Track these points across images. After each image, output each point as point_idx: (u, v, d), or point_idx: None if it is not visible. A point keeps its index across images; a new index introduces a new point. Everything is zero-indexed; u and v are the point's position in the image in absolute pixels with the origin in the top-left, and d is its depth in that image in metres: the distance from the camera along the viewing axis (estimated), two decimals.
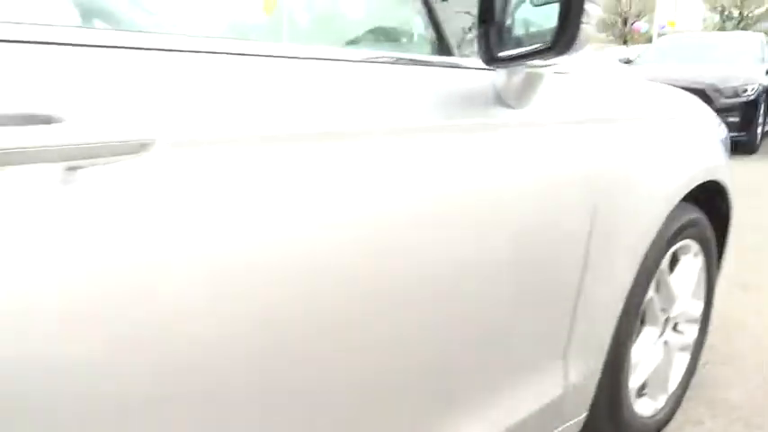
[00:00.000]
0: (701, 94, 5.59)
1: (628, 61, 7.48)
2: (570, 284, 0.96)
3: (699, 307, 1.53)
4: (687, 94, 1.59)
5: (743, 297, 2.35)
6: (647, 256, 1.15)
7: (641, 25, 33.60)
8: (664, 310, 1.37)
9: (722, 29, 36.08)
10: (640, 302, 1.21)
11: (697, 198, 1.45)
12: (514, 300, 0.87)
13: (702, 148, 1.33)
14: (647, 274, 1.18)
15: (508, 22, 0.73)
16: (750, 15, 40.69)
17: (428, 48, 0.82)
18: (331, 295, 0.62)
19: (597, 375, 1.12)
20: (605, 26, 42.89)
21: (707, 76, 5.78)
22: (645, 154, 1.10)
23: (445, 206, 0.74)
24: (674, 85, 5.34)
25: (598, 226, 0.96)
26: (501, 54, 0.73)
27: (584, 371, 1.07)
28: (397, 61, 0.76)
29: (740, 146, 5.88)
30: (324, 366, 0.64)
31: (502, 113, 0.81)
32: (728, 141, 1.64)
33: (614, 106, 1.08)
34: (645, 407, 1.39)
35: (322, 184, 0.61)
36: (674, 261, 1.41)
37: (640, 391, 1.39)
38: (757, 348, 1.93)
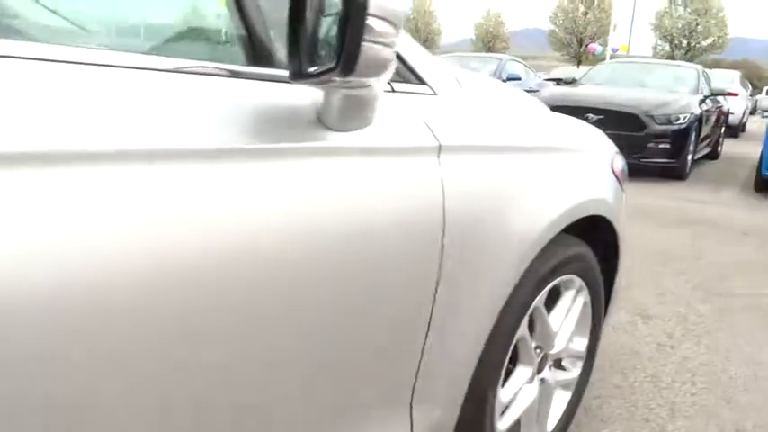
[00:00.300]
0: (635, 119, 5.75)
1: (573, 81, 7.63)
2: (414, 327, 0.88)
3: (583, 343, 1.48)
4: (582, 124, 1.54)
5: (644, 328, 2.36)
6: (514, 295, 1.08)
7: (596, 47, 34.69)
8: (539, 348, 1.31)
9: (671, 57, 37.80)
10: (509, 342, 1.14)
11: (588, 232, 1.41)
12: (342, 345, 0.78)
13: (587, 182, 1.28)
14: (516, 312, 1.12)
15: (323, 33, 0.63)
16: (697, 46, 42.77)
17: (245, 57, 0.72)
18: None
19: (453, 421, 1.05)
20: (561, 45, 44.14)
21: (641, 102, 5.93)
22: (513, 186, 1.02)
23: (254, 240, 0.64)
24: (610, 109, 5.48)
25: (448, 263, 0.88)
26: (310, 69, 0.63)
27: (436, 418, 0.99)
28: (200, 71, 0.65)
29: (670, 172, 6.07)
30: None
31: (320, 137, 0.71)
32: (626, 173, 1.61)
33: (482, 135, 1.00)
34: None
35: (85, 210, 0.51)
36: (556, 296, 1.35)
37: (513, 430, 1.33)
38: (650, 382, 1.92)
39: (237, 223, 0.62)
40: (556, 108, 6.21)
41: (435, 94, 0.94)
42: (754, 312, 2.59)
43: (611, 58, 21.70)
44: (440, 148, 0.85)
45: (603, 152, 1.45)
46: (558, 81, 8.67)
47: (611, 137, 5.81)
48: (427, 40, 48.06)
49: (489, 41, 49.86)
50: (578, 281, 1.36)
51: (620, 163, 1.54)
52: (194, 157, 0.60)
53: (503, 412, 1.24)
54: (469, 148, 0.93)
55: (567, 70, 14.74)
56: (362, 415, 0.87)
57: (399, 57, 0.89)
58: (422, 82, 0.92)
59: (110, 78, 0.58)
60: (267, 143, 0.66)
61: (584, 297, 1.41)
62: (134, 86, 0.59)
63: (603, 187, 1.35)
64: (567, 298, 1.36)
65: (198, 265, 0.59)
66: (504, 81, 8.38)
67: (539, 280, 1.17)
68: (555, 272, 1.22)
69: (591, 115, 5.95)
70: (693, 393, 1.87)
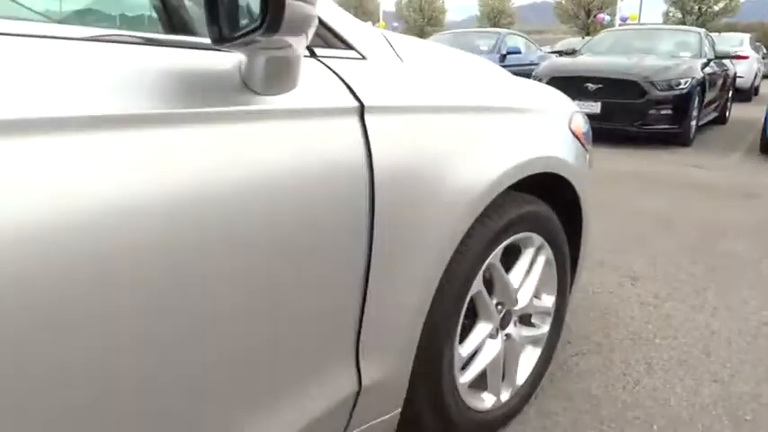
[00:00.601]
0: (635, 86, 5.69)
1: (573, 52, 7.54)
2: (348, 283, 0.91)
3: (550, 300, 1.52)
4: (540, 86, 1.56)
5: (631, 289, 2.38)
6: (462, 251, 1.12)
7: (604, 17, 34.05)
8: (501, 304, 1.35)
9: (682, 23, 36.97)
10: (461, 298, 1.17)
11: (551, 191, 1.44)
12: (275, 302, 0.81)
13: (536, 140, 1.30)
14: (466, 268, 1.15)
15: None
16: (709, 11, 41.76)
17: (163, 26, 0.76)
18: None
19: (406, 371, 1.09)
20: (568, 18, 43.39)
21: (640, 68, 5.86)
22: (451, 145, 1.06)
23: (184, 204, 0.67)
24: (608, 77, 5.48)
25: (382, 219, 0.92)
26: (234, 33, 0.67)
27: (386, 370, 1.03)
28: (121, 39, 0.70)
29: (674, 138, 6.01)
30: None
31: (247, 101, 0.75)
32: (588, 133, 1.63)
33: (414, 95, 1.03)
34: (483, 401, 1.37)
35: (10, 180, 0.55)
36: (517, 254, 1.39)
37: (481, 386, 1.38)
38: (630, 340, 1.95)
39: (166, 187, 0.65)
40: (554, 79, 6.20)
41: (364, 58, 0.97)
42: (744, 271, 2.59)
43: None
44: (362, 108, 0.88)
45: (559, 112, 1.47)
46: (560, 53, 8.57)
47: (611, 105, 5.82)
48: (431, 18, 47.57)
49: (494, 17, 49.19)
50: (538, 239, 1.39)
51: (580, 123, 1.55)
52: (117, 123, 0.63)
53: (465, 366, 1.29)
54: (398, 108, 0.96)
55: (570, 42, 14.51)
56: (304, 368, 0.90)
57: (325, 24, 0.93)
58: (349, 47, 0.95)
59: (26, 47, 0.62)
60: (193, 108, 0.69)
61: (546, 255, 1.44)
62: (51, 55, 0.63)
63: (557, 146, 1.38)
64: (527, 255, 1.39)
65: (129, 229, 0.63)
66: (504, 55, 8.32)
67: (491, 237, 1.20)
68: (508, 229, 1.25)
69: (590, 85, 5.92)
70: (673, 348, 1.90)
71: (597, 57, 6.70)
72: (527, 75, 6.74)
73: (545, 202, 1.40)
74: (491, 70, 1.45)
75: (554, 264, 1.48)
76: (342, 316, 0.93)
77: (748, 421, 1.53)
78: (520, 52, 8.65)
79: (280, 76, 0.78)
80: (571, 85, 6.07)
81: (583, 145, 1.57)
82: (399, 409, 1.13)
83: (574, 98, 6.14)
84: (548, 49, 10.97)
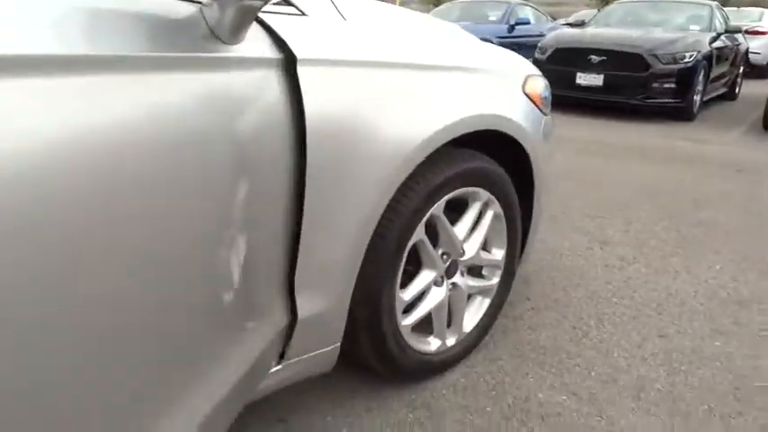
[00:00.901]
0: (639, 58, 5.66)
1: (582, 23, 7.45)
2: (279, 225, 0.99)
3: (499, 254, 1.61)
4: (497, 50, 1.62)
5: (599, 252, 2.46)
6: (401, 202, 1.21)
7: None
8: (447, 254, 1.44)
9: None
10: (401, 245, 1.26)
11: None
12: (209, 239, 0.85)
13: (481, 99, 1.37)
14: (405, 218, 1.23)
15: None
16: None
17: None
18: None
19: (343, 308, 1.18)
20: None
21: (645, 41, 5.82)
22: (387, 100, 1.13)
23: (138, 147, 0.70)
24: (612, 49, 5.49)
25: (314, 169, 0.99)
26: None
27: (322, 304, 1.13)
28: None
29: (678, 113, 5.98)
30: None
31: (214, 48, 0.82)
32: (545, 97, 1.69)
33: (349, 50, 1.10)
34: (429, 345, 1.48)
35: None
36: (464, 207, 1.48)
37: (428, 330, 1.48)
38: (588, 298, 2.04)
39: (142, 127, 0.69)
40: (558, 50, 6.24)
41: (303, 14, 1.05)
42: (715, 239, 2.66)
43: None
44: (295, 60, 0.96)
45: (510, 74, 1.53)
46: (570, 25, 8.47)
47: (614, 78, 5.84)
48: None
49: None
50: (485, 194, 1.47)
51: (536, 87, 1.62)
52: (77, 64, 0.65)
53: (408, 310, 1.40)
54: (332, 62, 1.04)
55: (583, 14, 14.25)
56: (238, 301, 0.95)
57: None
58: (288, 3, 1.03)
59: None
60: (166, 52, 0.75)
61: (494, 210, 1.52)
62: None
63: (504, 106, 1.45)
64: (473, 209, 1.48)
65: (83, 177, 0.63)
66: (513, 26, 8.24)
67: (431, 190, 1.28)
68: (450, 183, 1.33)
69: (593, 57, 5.90)
70: (628, 306, 1.99)
71: (603, 29, 6.64)
72: (535, 46, 6.71)
73: (497, 161, 1.48)
74: (447, 32, 1.51)
75: (503, 219, 1.56)
76: (274, 254, 1.02)
77: (682, 371, 1.63)
78: (529, 23, 8.56)
79: (244, 26, 0.85)
80: (575, 56, 6.06)
81: (540, 108, 1.63)
82: (338, 344, 1.23)
83: (577, 70, 6.09)
84: (562, 21, 10.80)
